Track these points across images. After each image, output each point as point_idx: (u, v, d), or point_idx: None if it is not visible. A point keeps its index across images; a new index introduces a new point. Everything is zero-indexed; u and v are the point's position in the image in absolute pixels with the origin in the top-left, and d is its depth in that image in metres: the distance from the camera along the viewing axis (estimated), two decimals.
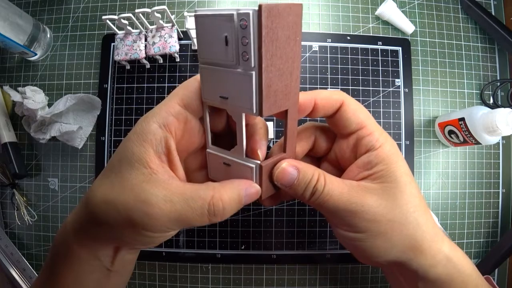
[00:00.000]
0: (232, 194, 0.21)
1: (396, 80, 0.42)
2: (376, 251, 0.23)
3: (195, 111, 0.23)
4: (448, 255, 0.23)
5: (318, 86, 0.41)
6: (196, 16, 0.20)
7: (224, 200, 0.21)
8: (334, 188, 0.22)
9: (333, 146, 0.27)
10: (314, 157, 0.29)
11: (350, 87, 0.41)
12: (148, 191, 0.19)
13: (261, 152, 0.23)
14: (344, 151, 0.26)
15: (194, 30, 0.37)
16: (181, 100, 0.22)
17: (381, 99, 0.41)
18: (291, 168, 0.23)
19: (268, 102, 0.19)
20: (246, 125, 0.22)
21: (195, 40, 0.40)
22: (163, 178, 0.20)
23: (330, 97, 0.24)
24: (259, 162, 0.22)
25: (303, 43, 0.41)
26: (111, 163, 0.22)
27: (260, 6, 0.17)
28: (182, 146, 0.23)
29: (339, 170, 0.27)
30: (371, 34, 0.43)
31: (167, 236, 0.22)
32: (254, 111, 0.20)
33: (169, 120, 0.21)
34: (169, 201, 0.19)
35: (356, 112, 0.24)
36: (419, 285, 0.24)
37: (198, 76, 0.23)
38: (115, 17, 0.36)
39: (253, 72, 0.19)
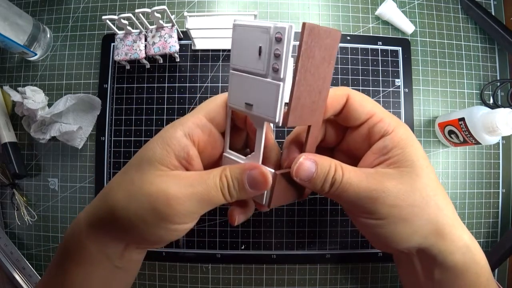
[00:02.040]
0: (236, 167, 0.22)
1: (396, 80, 0.42)
2: (398, 238, 0.23)
3: (219, 125, 0.24)
4: (467, 243, 0.23)
5: None
6: (235, 25, 0.21)
7: (231, 170, 0.22)
8: (353, 176, 0.22)
9: (345, 137, 0.28)
10: (326, 148, 0.30)
11: (350, 87, 0.41)
12: (169, 182, 0.21)
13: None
14: (357, 141, 0.26)
15: (194, 30, 0.38)
16: (207, 114, 0.23)
17: (381, 99, 0.41)
18: (309, 162, 0.23)
19: (294, 114, 0.20)
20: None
21: (195, 40, 0.40)
22: (180, 172, 0.22)
23: (335, 94, 0.24)
24: (273, 170, 0.23)
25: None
26: (132, 161, 0.23)
27: (304, 24, 0.18)
28: (205, 156, 0.24)
29: (353, 160, 0.27)
30: (371, 34, 0.43)
31: (185, 230, 0.23)
32: (276, 120, 0.20)
33: (194, 131, 0.22)
34: (190, 185, 0.21)
35: (363, 102, 0.24)
36: (435, 273, 0.24)
37: (223, 94, 0.24)
38: (115, 17, 0.36)
39: (281, 83, 0.20)
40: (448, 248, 0.23)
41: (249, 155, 0.24)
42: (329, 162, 0.23)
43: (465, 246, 0.23)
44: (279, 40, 0.19)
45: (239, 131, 0.27)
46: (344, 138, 0.28)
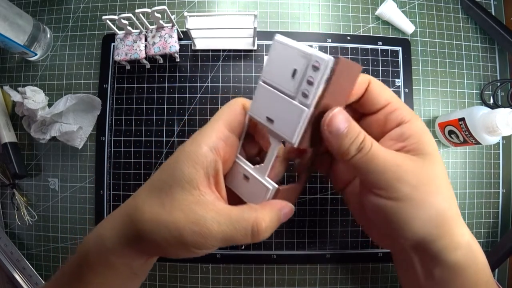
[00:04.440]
0: (272, 215, 0.23)
1: (396, 80, 0.42)
2: (409, 224, 0.22)
3: (238, 133, 0.25)
4: (469, 241, 0.23)
5: None
6: (275, 41, 0.22)
7: (266, 221, 0.22)
8: (380, 149, 0.22)
9: (360, 122, 0.28)
10: None
11: None
12: (197, 212, 0.21)
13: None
14: (372, 127, 0.26)
15: (194, 30, 0.38)
16: (228, 124, 0.24)
17: None
18: (342, 116, 0.22)
19: (307, 136, 0.21)
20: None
21: (195, 40, 0.40)
22: (210, 200, 0.22)
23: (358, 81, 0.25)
24: (277, 186, 0.23)
25: (303, 43, 0.41)
26: (160, 182, 0.23)
27: (338, 59, 0.19)
28: (224, 166, 0.24)
29: None
30: (371, 34, 0.43)
31: (211, 251, 0.23)
32: (293, 142, 0.21)
33: (219, 144, 0.23)
34: (217, 222, 0.21)
35: (383, 90, 0.25)
36: (435, 272, 0.24)
37: (240, 100, 0.25)
38: (115, 17, 0.36)
39: (307, 109, 0.20)
40: (451, 244, 0.23)
41: (257, 166, 0.24)
42: (360, 129, 0.23)
43: (467, 243, 0.23)
44: (315, 69, 0.19)
45: (254, 141, 0.27)
46: (359, 123, 0.28)
